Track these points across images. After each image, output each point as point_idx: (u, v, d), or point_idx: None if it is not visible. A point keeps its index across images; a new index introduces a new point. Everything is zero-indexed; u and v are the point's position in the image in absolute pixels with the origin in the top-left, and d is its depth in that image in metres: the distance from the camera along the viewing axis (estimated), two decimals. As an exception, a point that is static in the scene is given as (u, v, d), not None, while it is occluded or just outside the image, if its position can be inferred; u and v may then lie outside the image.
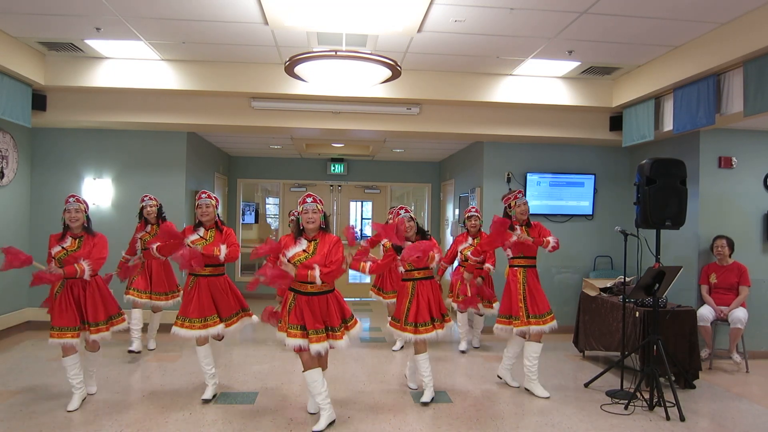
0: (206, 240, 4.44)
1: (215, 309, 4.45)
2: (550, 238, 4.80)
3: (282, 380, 5.09)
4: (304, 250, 3.88)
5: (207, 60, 6.12)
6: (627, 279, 5.31)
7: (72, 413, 4.17)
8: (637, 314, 5.12)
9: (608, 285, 6.03)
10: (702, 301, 6.05)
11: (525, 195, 5.03)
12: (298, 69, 4.54)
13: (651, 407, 4.45)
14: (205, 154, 8.44)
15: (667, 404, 4.34)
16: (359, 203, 11.27)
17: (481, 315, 6.37)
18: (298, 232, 3.97)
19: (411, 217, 4.53)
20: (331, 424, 3.99)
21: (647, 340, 4.74)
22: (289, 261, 3.84)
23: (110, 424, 3.99)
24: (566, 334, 6.54)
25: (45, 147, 7.08)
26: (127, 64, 6.07)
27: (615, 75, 6.35)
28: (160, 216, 5.88)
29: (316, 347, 3.82)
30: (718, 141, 6.26)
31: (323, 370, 4.02)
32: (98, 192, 7.06)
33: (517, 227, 4.84)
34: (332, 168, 10.35)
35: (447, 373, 5.52)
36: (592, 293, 6.06)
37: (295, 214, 4.08)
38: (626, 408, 4.45)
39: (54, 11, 4.77)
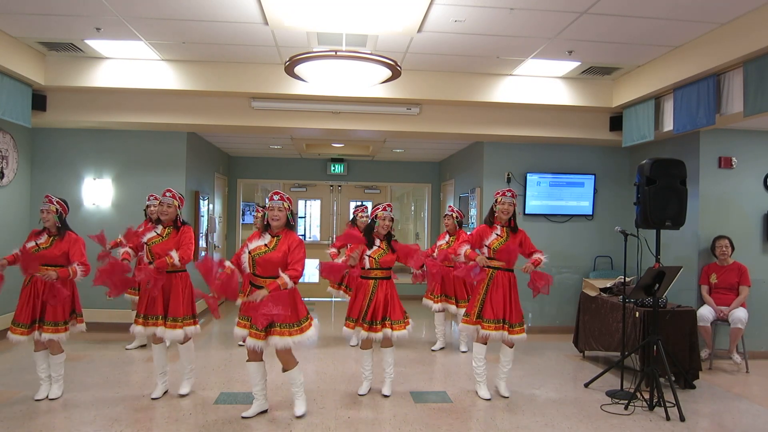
0: (162, 237, 4.49)
1: (162, 309, 4.42)
2: (542, 257, 4.63)
3: (282, 380, 5.07)
4: (265, 245, 4.06)
5: (207, 60, 6.12)
6: (627, 279, 5.31)
7: (71, 413, 4.17)
8: (637, 314, 5.11)
9: (608, 285, 6.03)
10: (702, 301, 6.05)
11: (515, 196, 4.76)
12: (298, 69, 4.55)
13: (651, 407, 4.45)
14: (205, 154, 8.44)
15: (667, 404, 4.34)
16: (359, 203, 11.25)
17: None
18: (264, 227, 4.19)
19: (392, 218, 4.68)
20: (263, 412, 4.24)
21: (647, 340, 4.74)
22: (249, 253, 4.05)
23: (109, 423, 3.99)
24: (566, 334, 6.53)
25: (45, 147, 7.08)
26: (127, 64, 6.07)
27: (615, 75, 6.35)
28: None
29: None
30: (718, 141, 6.26)
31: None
32: (98, 192, 7.07)
33: (501, 226, 4.70)
34: (332, 168, 10.36)
35: (446, 373, 5.52)
36: (592, 293, 6.06)
37: (262, 210, 4.19)
38: (626, 408, 4.45)
39: (54, 11, 4.77)
